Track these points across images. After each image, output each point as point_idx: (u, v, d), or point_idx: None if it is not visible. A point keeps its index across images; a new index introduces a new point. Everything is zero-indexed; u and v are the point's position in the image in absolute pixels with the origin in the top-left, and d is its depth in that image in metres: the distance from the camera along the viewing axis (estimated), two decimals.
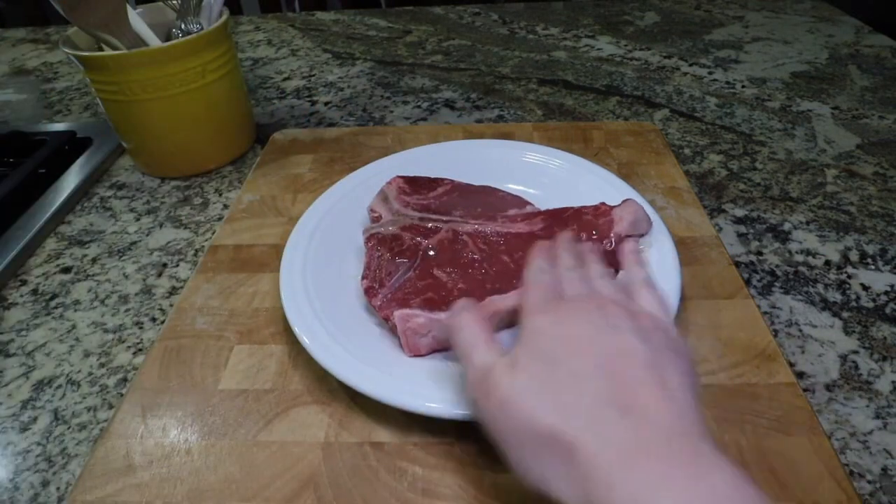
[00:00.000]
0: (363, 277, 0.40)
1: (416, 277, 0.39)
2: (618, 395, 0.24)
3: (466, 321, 0.31)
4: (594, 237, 0.42)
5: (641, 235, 0.42)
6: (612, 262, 0.41)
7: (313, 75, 0.81)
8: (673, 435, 0.23)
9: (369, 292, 0.39)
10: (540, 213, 0.45)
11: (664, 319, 0.31)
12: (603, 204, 0.44)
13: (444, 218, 0.44)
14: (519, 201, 0.47)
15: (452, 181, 0.48)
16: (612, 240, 0.41)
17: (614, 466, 0.22)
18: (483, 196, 0.47)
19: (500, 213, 0.45)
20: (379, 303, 0.38)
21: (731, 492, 0.21)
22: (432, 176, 0.49)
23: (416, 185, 0.47)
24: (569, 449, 0.23)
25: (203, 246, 0.51)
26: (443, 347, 0.37)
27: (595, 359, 0.26)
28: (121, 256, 0.50)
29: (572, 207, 0.44)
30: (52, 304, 0.46)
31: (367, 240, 0.43)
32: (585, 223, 0.43)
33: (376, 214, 0.45)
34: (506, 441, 0.26)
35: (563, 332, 0.28)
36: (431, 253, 0.40)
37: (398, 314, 0.36)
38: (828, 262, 0.46)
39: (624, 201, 0.43)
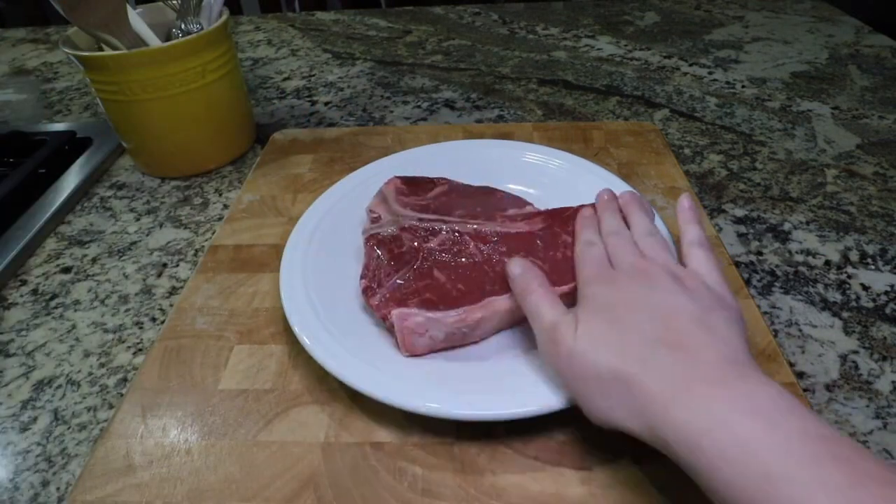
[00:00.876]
0: (362, 277, 0.40)
1: (414, 278, 0.39)
2: (669, 338, 0.27)
3: (533, 285, 0.34)
4: None
5: None
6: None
7: (313, 75, 0.81)
8: (719, 364, 0.26)
9: (367, 292, 0.39)
10: (539, 212, 0.44)
11: (712, 278, 0.32)
12: None
13: (444, 218, 0.44)
14: (518, 201, 0.47)
15: (450, 181, 0.48)
16: None
17: (667, 393, 0.25)
18: (482, 196, 0.47)
19: (499, 213, 0.45)
20: (376, 302, 0.38)
21: (774, 402, 0.23)
22: (433, 176, 0.49)
23: (414, 185, 0.47)
24: (628, 384, 0.26)
25: (203, 246, 0.51)
26: (440, 347, 0.37)
27: (648, 313, 0.29)
28: (121, 256, 0.50)
29: (572, 207, 0.44)
30: (52, 304, 0.46)
31: (367, 240, 0.43)
32: None
33: (375, 215, 0.45)
34: (575, 385, 0.29)
35: (619, 294, 0.31)
36: (431, 254, 0.40)
37: (395, 313, 0.36)
38: (828, 262, 0.46)
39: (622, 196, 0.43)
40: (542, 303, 0.33)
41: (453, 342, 0.37)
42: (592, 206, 0.42)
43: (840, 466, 0.21)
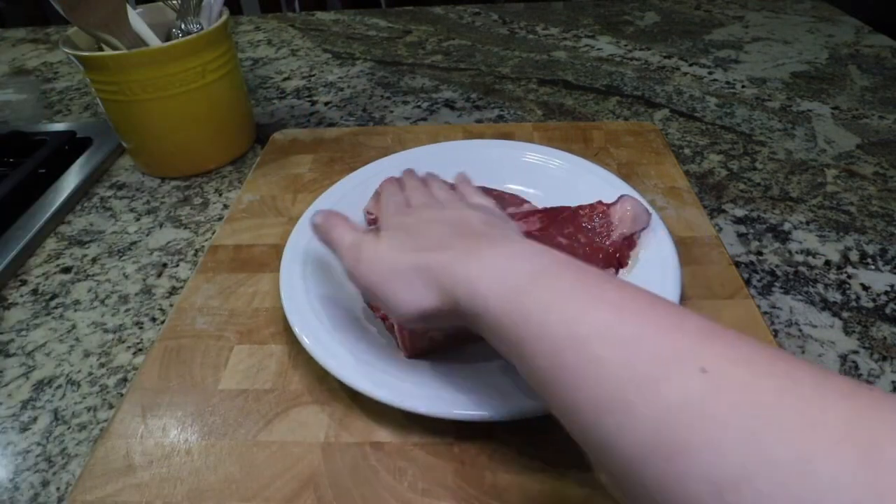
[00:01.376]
0: None
1: None
2: (457, 232, 0.31)
3: (332, 221, 0.35)
4: (597, 239, 0.42)
5: (643, 229, 0.43)
6: (614, 261, 0.41)
7: (313, 75, 0.81)
8: (496, 238, 0.30)
9: None
10: (537, 211, 0.45)
11: (490, 204, 0.37)
12: (600, 202, 0.44)
13: None
14: (516, 200, 0.47)
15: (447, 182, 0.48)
16: (614, 238, 0.41)
17: (455, 261, 0.28)
18: None
19: None
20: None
21: (529, 252, 0.27)
22: None
23: None
24: (428, 268, 0.29)
25: (203, 246, 0.51)
26: (441, 348, 0.37)
27: (440, 222, 0.33)
28: (121, 256, 0.50)
29: (570, 207, 0.44)
30: (52, 304, 0.46)
31: None
32: (585, 225, 0.43)
33: (372, 216, 0.45)
34: (380, 288, 0.30)
35: (416, 217, 0.34)
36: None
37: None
38: (828, 262, 0.46)
39: (619, 198, 0.43)
40: (344, 231, 0.34)
41: (454, 342, 0.37)
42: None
43: (572, 270, 0.25)
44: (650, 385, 0.19)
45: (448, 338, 0.36)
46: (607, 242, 0.42)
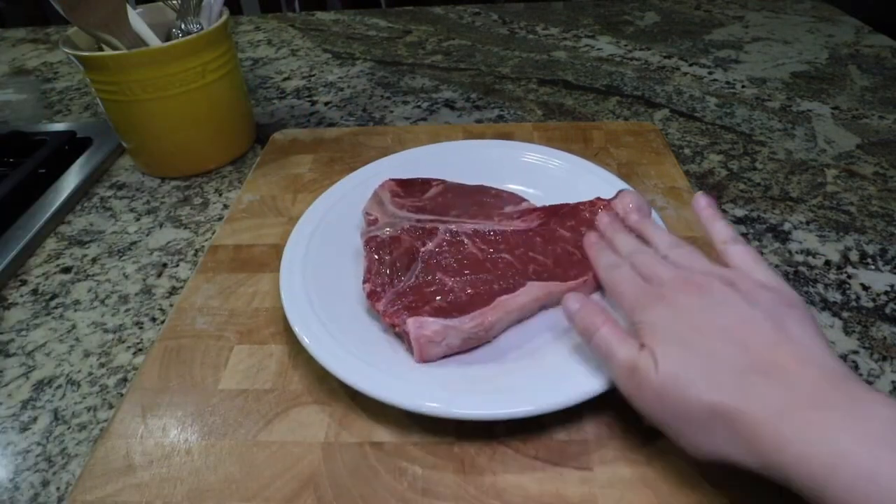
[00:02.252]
0: (365, 281, 0.40)
1: (422, 283, 0.38)
2: (755, 361, 0.26)
3: (597, 321, 0.31)
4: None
5: None
6: None
7: (313, 75, 0.81)
8: (817, 382, 0.25)
9: (372, 296, 0.38)
10: (535, 209, 0.45)
11: (762, 273, 0.31)
12: (599, 199, 0.44)
13: (441, 219, 0.44)
14: (514, 198, 0.47)
15: (444, 181, 0.48)
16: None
17: (777, 424, 0.23)
18: (478, 195, 0.47)
19: (496, 212, 0.45)
20: (383, 308, 0.37)
21: (891, 421, 0.22)
22: (433, 176, 0.49)
23: (408, 187, 0.47)
24: (730, 419, 0.25)
25: (203, 246, 0.51)
26: (452, 353, 0.36)
27: (718, 333, 0.28)
28: (121, 256, 0.50)
29: (568, 204, 0.44)
30: (52, 304, 0.46)
31: (366, 243, 0.43)
32: (589, 218, 0.43)
33: (372, 217, 0.45)
34: (671, 425, 0.27)
35: (679, 315, 0.29)
36: (433, 256, 0.40)
37: (412, 322, 0.35)
38: (828, 262, 0.46)
39: (618, 193, 0.43)
40: (611, 340, 0.31)
41: (468, 346, 0.37)
42: (595, 228, 0.40)
43: None
44: None
45: (464, 342, 0.36)
46: None
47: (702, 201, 0.36)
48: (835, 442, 0.22)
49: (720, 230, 0.34)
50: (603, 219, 0.39)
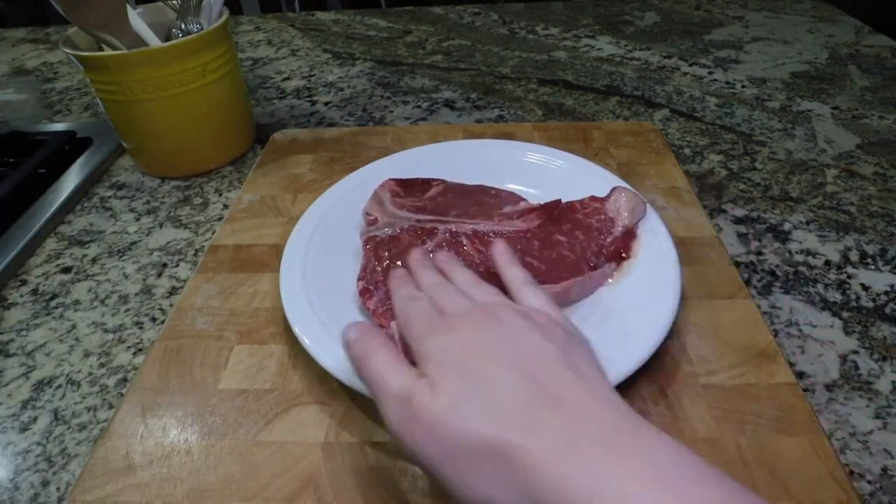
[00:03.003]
0: (359, 279, 0.40)
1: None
2: (543, 395, 0.24)
3: (372, 346, 0.28)
4: (595, 233, 0.42)
5: (641, 219, 0.43)
6: (615, 255, 0.41)
7: (313, 75, 0.81)
8: (606, 421, 0.23)
9: (364, 294, 0.39)
10: (534, 208, 0.45)
11: (554, 313, 0.30)
12: (592, 197, 0.44)
13: (441, 219, 0.44)
14: (513, 198, 0.47)
15: (444, 181, 0.48)
16: (616, 233, 0.42)
17: (559, 461, 0.22)
18: (477, 195, 0.47)
19: (495, 212, 0.45)
20: (373, 307, 0.38)
21: (677, 467, 0.21)
22: (433, 176, 0.49)
23: (408, 186, 0.47)
24: (510, 455, 0.22)
25: (203, 246, 0.51)
26: None
27: (509, 364, 0.25)
28: (121, 256, 0.50)
29: (560, 200, 0.44)
30: (52, 304, 0.46)
31: (365, 242, 0.43)
32: (583, 220, 0.43)
33: (372, 217, 0.45)
34: (440, 466, 0.24)
35: (468, 345, 0.27)
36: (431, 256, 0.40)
37: (396, 325, 0.35)
38: (828, 262, 0.46)
39: (613, 190, 0.43)
40: (386, 368, 0.27)
41: None
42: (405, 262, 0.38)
43: None
44: None
45: None
46: (608, 240, 0.42)
47: (499, 247, 0.36)
48: (616, 481, 0.21)
49: (516, 274, 0.34)
50: (414, 255, 0.37)
